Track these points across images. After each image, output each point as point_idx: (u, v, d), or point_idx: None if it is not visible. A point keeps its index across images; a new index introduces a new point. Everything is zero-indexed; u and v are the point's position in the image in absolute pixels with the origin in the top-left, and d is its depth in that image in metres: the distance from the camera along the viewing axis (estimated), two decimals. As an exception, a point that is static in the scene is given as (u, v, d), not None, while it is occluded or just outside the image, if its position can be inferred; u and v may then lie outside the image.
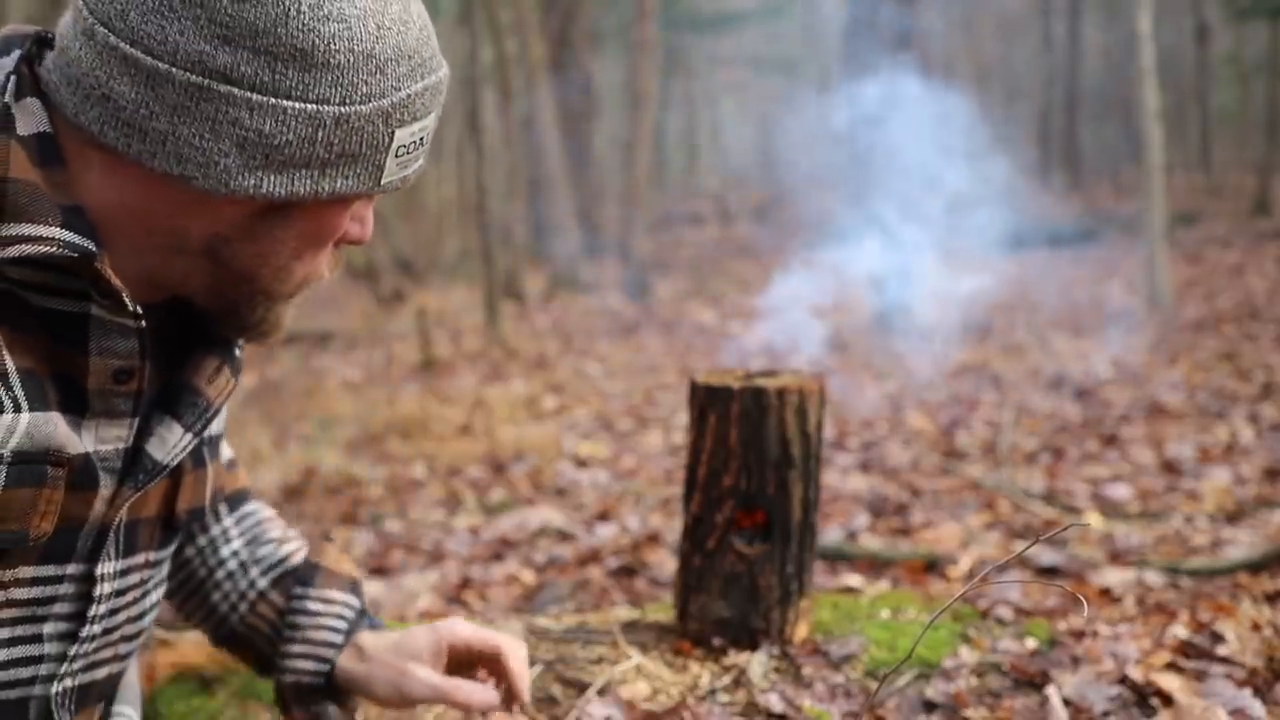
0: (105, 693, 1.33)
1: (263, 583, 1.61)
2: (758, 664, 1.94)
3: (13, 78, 1.11)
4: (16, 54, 1.13)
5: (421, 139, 1.17)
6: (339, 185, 1.12)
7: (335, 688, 1.55)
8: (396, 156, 1.14)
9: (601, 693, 1.84)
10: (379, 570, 4.18)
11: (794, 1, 31.36)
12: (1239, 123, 31.76)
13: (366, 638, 1.56)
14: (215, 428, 1.41)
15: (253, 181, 1.08)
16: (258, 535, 1.64)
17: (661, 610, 2.23)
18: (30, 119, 1.10)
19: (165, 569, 1.39)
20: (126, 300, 1.11)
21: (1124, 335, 9.33)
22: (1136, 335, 9.30)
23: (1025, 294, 11.95)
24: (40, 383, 1.10)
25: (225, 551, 1.61)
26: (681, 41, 30.67)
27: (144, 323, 1.14)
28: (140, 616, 1.34)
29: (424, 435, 6.84)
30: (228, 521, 1.63)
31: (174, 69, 1.03)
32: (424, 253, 18.89)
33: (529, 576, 3.97)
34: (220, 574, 1.61)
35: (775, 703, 1.83)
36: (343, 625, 1.57)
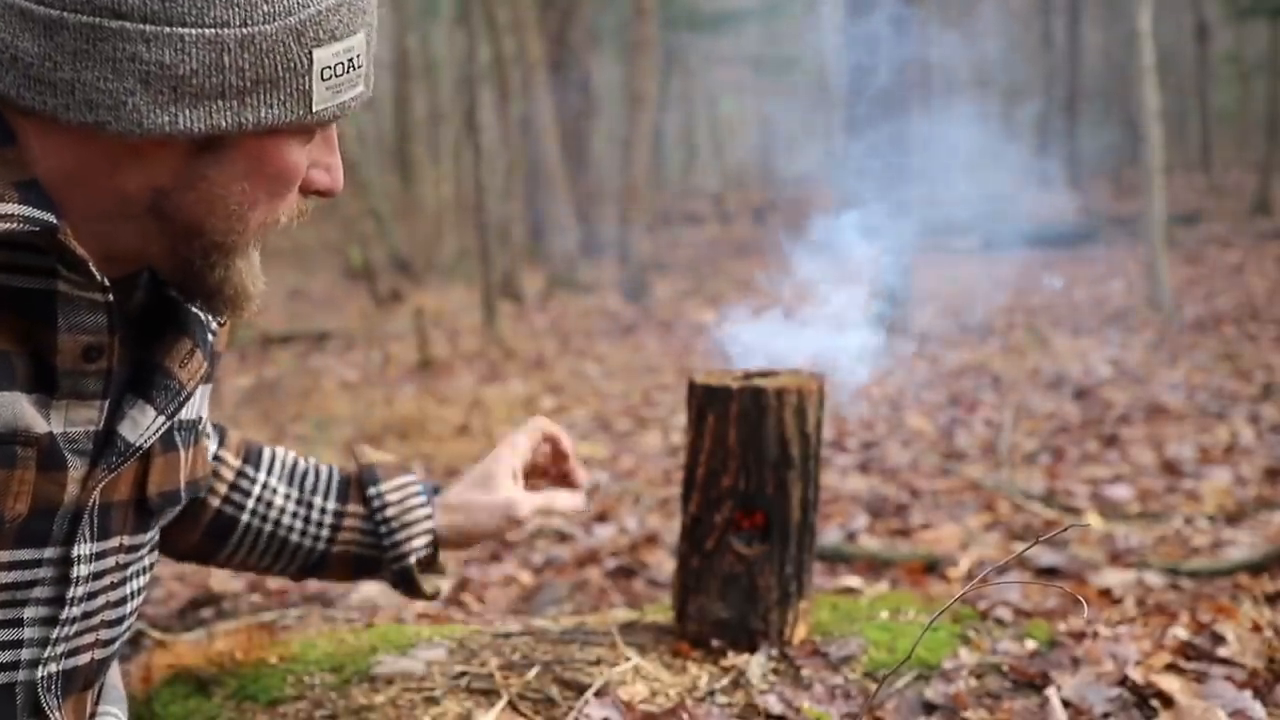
0: (91, 680, 1.32)
1: (331, 504, 1.70)
2: (756, 665, 1.93)
3: None
4: None
5: (352, 61, 1.11)
6: (263, 115, 1.07)
7: (438, 550, 1.75)
8: (324, 80, 1.09)
9: (599, 694, 1.83)
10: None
11: (794, 1, 31.36)
12: (1239, 123, 31.78)
13: (448, 495, 1.77)
14: (190, 413, 1.38)
15: (166, 118, 1.04)
16: (293, 471, 1.71)
17: (660, 611, 2.22)
18: None
19: (146, 554, 1.37)
20: (93, 270, 1.09)
21: (1124, 335, 9.33)
22: (1136, 335, 9.30)
23: (1025, 294, 11.95)
24: (7, 360, 1.08)
25: (279, 500, 1.68)
26: (680, 41, 30.66)
27: (111, 296, 1.12)
28: (121, 602, 1.32)
29: (421, 436, 6.83)
30: (261, 476, 1.67)
31: (65, 13, 1.01)
32: (421, 252, 18.88)
33: (527, 577, 3.96)
34: (287, 519, 1.68)
35: (774, 704, 1.82)
36: (425, 498, 1.74)
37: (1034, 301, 11.68)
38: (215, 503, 1.64)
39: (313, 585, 4.03)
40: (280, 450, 1.74)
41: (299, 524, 1.68)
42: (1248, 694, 1.84)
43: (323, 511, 1.70)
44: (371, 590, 3.78)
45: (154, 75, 1.03)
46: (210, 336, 1.32)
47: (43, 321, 1.11)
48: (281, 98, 1.08)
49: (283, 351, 10.58)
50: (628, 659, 1.93)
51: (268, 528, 1.67)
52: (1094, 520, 3.99)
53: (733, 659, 1.95)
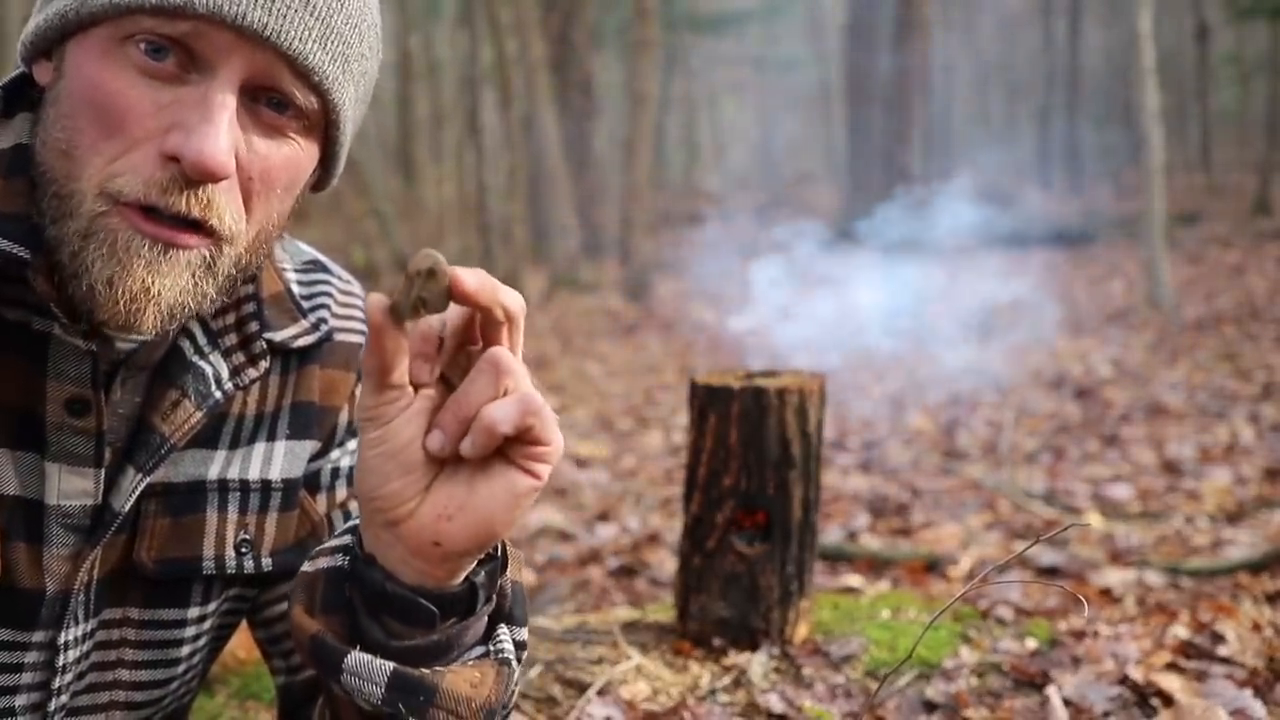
0: None
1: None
2: (758, 664, 1.93)
3: (1, 93, 1.08)
4: (19, 71, 1.10)
5: None
6: (60, 3, 1.00)
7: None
8: None
9: (601, 693, 1.84)
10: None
11: (794, 1, 31.36)
12: (1239, 123, 31.75)
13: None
14: (264, 472, 1.21)
15: (32, 26, 1.03)
16: None
17: (661, 610, 2.23)
18: (10, 132, 1.06)
19: (201, 631, 1.22)
20: (55, 311, 1.01)
21: (1124, 335, 9.34)
22: (1136, 335, 9.30)
23: (1025, 294, 11.94)
24: None
25: None
26: (682, 42, 30.66)
27: (94, 346, 1.04)
28: (154, 684, 1.20)
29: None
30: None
31: None
32: (424, 253, 18.85)
33: (529, 577, 3.97)
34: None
35: (775, 703, 1.82)
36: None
37: (1034, 301, 11.68)
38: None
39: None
40: None
41: None
42: (1248, 692, 1.85)
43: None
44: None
45: None
46: (218, 392, 1.15)
47: (39, 367, 1.04)
48: None
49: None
50: (629, 658, 1.94)
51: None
52: (1094, 520, 3.99)
53: (734, 658, 1.95)
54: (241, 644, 2.03)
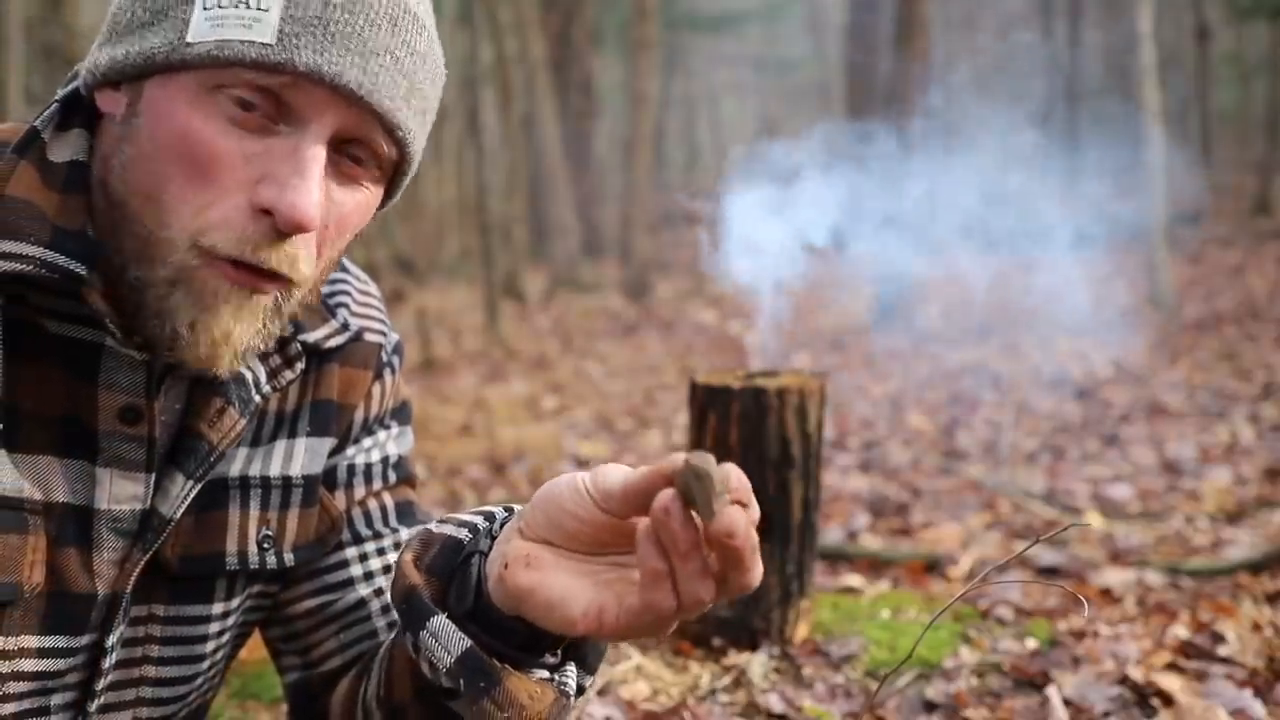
0: None
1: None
2: (758, 664, 1.93)
3: (57, 106, 1.09)
4: (74, 86, 1.11)
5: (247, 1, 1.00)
6: (146, 44, 1.01)
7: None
8: (205, 9, 0.99)
9: (602, 693, 1.84)
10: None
11: (794, 1, 31.35)
12: (1239, 123, 31.75)
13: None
14: (288, 469, 1.24)
15: (104, 58, 1.05)
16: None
17: (662, 610, 2.23)
18: (67, 147, 1.07)
19: (224, 627, 1.25)
20: (112, 327, 1.03)
21: (1124, 335, 9.34)
22: (1137, 335, 9.30)
23: (1025, 294, 11.95)
24: (38, 423, 1.04)
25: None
26: (682, 42, 30.66)
27: (148, 355, 1.06)
28: (178, 680, 1.22)
29: (424, 435, 6.84)
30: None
31: None
32: (424, 252, 18.88)
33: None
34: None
35: (775, 703, 1.83)
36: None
37: (1034, 301, 11.68)
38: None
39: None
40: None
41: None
42: (1248, 692, 1.85)
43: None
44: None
45: (108, 22, 1.06)
46: (257, 397, 1.18)
47: (87, 376, 1.06)
48: (165, 28, 1.01)
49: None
50: (630, 658, 1.94)
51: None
52: (1094, 520, 3.99)
53: (734, 658, 1.95)
54: (242, 644, 2.03)
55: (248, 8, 0.99)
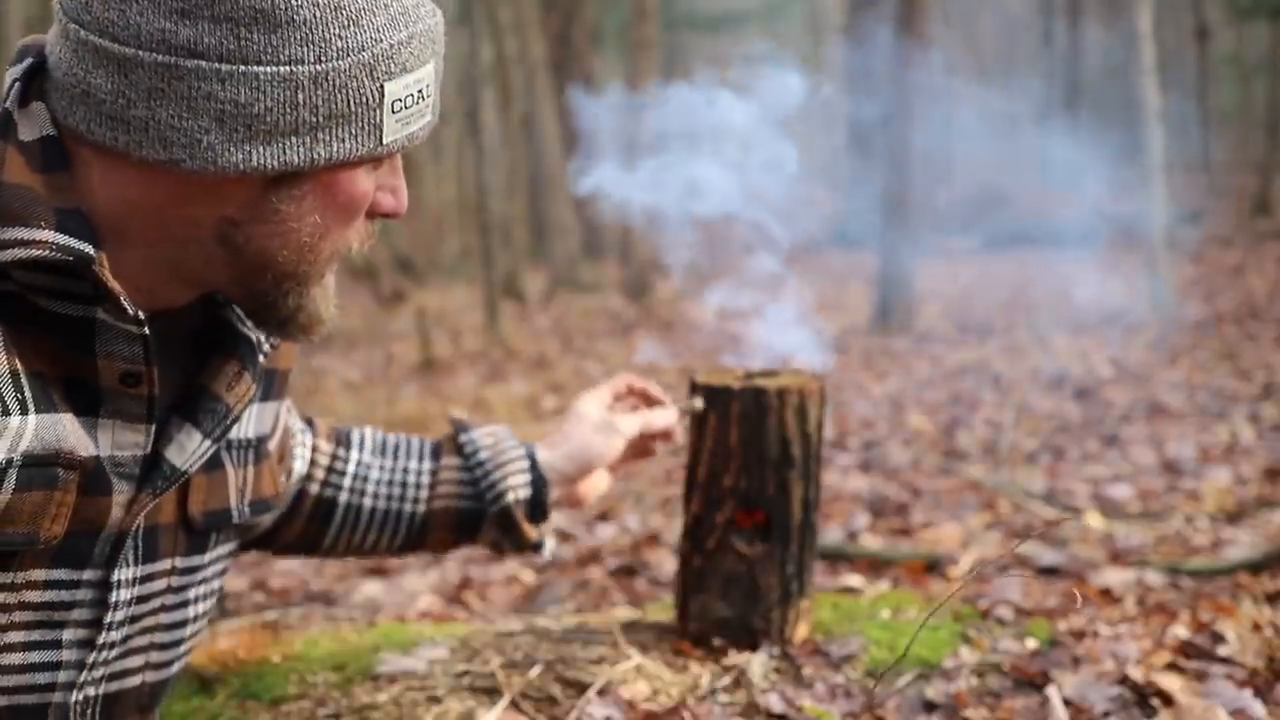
0: (147, 704, 1.30)
1: (426, 464, 1.72)
2: (758, 664, 1.93)
3: (17, 84, 1.11)
4: (28, 62, 1.12)
5: (421, 92, 1.11)
6: (335, 150, 1.07)
7: (542, 491, 1.75)
8: (394, 113, 1.09)
9: (601, 693, 1.84)
10: (378, 571, 4.18)
11: (794, 2, 31.35)
12: (1239, 123, 31.74)
13: (547, 438, 1.81)
14: (245, 431, 1.35)
15: (240, 156, 1.04)
16: (384, 445, 1.73)
17: (661, 610, 2.23)
18: (34, 124, 1.09)
19: (208, 576, 1.35)
20: (125, 305, 1.08)
21: (1124, 335, 9.33)
22: (1136, 335, 9.30)
23: (1025, 294, 11.96)
24: (48, 384, 1.08)
25: (374, 474, 1.69)
26: (681, 41, 30.65)
27: (146, 329, 1.11)
28: (177, 625, 1.31)
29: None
30: (354, 454, 1.70)
31: (140, 52, 1.01)
32: (424, 252, 18.89)
33: (529, 576, 3.97)
34: (384, 488, 1.69)
35: (775, 703, 1.82)
36: (518, 442, 1.76)
37: (1034, 301, 11.68)
38: (314, 489, 1.67)
39: (315, 584, 4.04)
40: (369, 430, 1.76)
41: (396, 490, 1.70)
42: (1248, 693, 1.84)
43: (418, 473, 1.71)
44: (374, 589, 3.79)
45: (229, 114, 1.03)
46: (261, 358, 1.30)
47: (83, 347, 1.11)
48: (354, 132, 1.08)
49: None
50: (629, 658, 1.94)
51: (367, 501, 1.69)
52: (1094, 519, 3.99)
53: (734, 658, 1.95)
54: (241, 644, 2.03)
55: (425, 99, 1.12)
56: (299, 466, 1.62)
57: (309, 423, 1.69)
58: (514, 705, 1.79)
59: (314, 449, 1.66)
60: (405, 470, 1.71)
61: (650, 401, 1.93)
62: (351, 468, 1.68)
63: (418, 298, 14.14)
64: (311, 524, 1.67)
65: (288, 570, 4.24)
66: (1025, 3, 32.07)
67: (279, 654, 1.98)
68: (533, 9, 16.58)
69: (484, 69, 15.41)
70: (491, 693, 1.81)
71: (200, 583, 1.34)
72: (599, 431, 1.78)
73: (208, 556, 1.33)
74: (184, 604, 1.31)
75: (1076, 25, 27.53)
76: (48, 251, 1.04)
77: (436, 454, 1.74)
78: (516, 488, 1.71)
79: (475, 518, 1.72)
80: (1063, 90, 28.20)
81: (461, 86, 14.12)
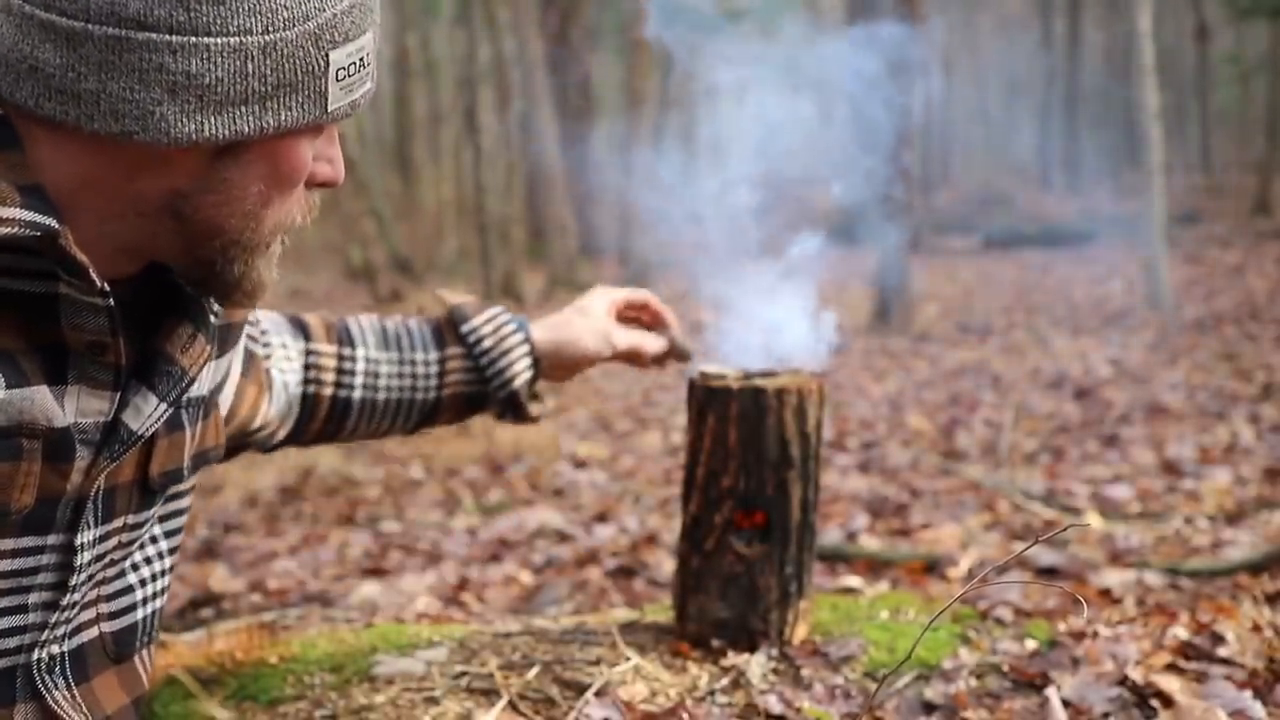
0: (112, 652, 1.32)
1: (432, 355, 1.80)
2: (756, 665, 1.93)
3: None
4: None
5: (362, 60, 1.14)
6: (284, 118, 1.10)
7: (539, 371, 1.87)
8: (338, 81, 1.12)
9: (599, 694, 1.83)
10: (376, 571, 4.17)
11: (794, 2, 31.33)
12: (1239, 123, 31.77)
13: (547, 318, 1.90)
14: (199, 389, 1.37)
15: (193, 126, 1.06)
16: (386, 337, 1.80)
17: (660, 611, 2.22)
18: None
19: (153, 529, 1.37)
20: (93, 276, 1.09)
21: (1124, 335, 9.34)
22: (1136, 335, 9.30)
23: (1025, 294, 11.97)
24: (15, 358, 1.09)
25: (384, 369, 1.77)
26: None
27: (111, 300, 1.12)
28: (120, 575, 1.33)
29: (421, 435, 6.84)
30: (360, 352, 1.76)
31: (90, 25, 1.02)
32: (422, 252, 18.88)
33: (527, 577, 3.96)
34: (396, 383, 1.78)
35: (774, 704, 1.82)
36: (516, 325, 1.84)
37: (1034, 301, 11.68)
38: (328, 392, 1.73)
39: (312, 585, 4.03)
40: (364, 320, 1.81)
41: (407, 381, 1.78)
42: (1248, 694, 1.84)
43: (426, 364, 1.80)
44: (371, 590, 3.78)
45: (180, 85, 1.04)
46: (212, 317, 1.31)
47: (48, 321, 1.12)
48: (300, 100, 1.10)
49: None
50: (628, 659, 1.94)
51: (380, 396, 1.77)
52: (1094, 520, 3.99)
53: (733, 659, 1.95)
54: (239, 645, 2.02)
55: (365, 66, 1.15)
56: (291, 380, 1.68)
57: (300, 326, 1.74)
58: (512, 706, 1.78)
59: (311, 353, 1.72)
60: (413, 362, 1.80)
61: (656, 323, 2.01)
62: (360, 365, 1.76)
63: (416, 298, 14.13)
64: (329, 423, 1.76)
65: (285, 571, 4.24)
66: (1025, 2, 32.07)
67: (276, 655, 1.97)
68: (530, 8, 16.58)
69: (482, 69, 15.40)
70: (489, 694, 1.81)
71: (143, 535, 1.36)
72: (593, 334, 1.88)
73: (152, 511, 1.35)
74: (126, 557, 1.33)
75: (1076, 25, 27.55)
76: (17, 229, 1.04)
77: (440, 342, 1.82)
78: (520, 374, 1.83)
79: (481, 399, 1.86)
80: (1062, 89, 28.22)
81: (459, 86, 14.12)
